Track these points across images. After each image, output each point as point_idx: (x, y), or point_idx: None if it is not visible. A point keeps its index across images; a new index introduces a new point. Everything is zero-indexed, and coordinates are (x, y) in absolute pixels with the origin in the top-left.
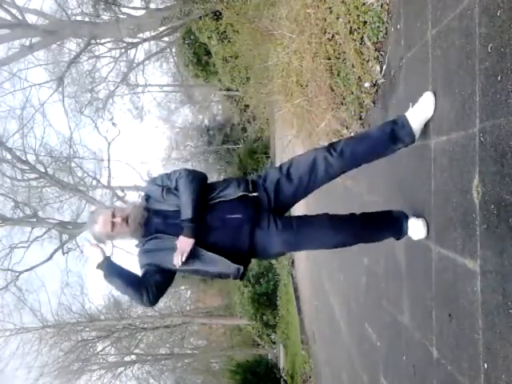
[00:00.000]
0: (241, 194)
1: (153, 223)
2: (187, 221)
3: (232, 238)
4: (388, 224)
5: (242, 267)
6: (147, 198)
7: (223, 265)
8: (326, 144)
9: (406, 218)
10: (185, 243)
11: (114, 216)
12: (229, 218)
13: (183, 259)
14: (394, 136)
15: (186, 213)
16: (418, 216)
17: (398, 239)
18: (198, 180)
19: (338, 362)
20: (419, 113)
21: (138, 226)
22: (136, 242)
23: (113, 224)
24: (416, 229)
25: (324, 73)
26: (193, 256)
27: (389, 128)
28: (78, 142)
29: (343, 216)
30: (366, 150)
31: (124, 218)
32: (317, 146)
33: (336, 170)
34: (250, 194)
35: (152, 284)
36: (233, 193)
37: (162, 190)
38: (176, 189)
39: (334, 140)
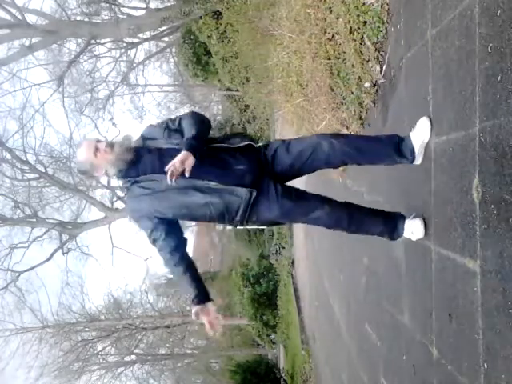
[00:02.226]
0: (247, 143)
1: (146, 161)
2: (190, 138)
3: (234, 184)
4: (383, 219)
5: (254, 190)
6: (144, 139)
7: (230, 193)
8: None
9: (403, 219)
10: (184, 156)
11: (99, 141)
12: (233, 167)
13: (177, 173)
14: (398, 148)
15: (190, 131)
16: (415, 216)
17: (392, 239)
18: (203, 116)
19: (337, 362)
20: (418, 137)
21: (125, 151)
22: (122, 181)
23: (96, 148)
24: (413, 229)
25: (324, 73)
26: (188, 176)
27: (397, 139)
28: (78, 142)
29: (340, 201)
30: (370, 146)
31: (108, 144)
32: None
33: (337, 155)
34: (256, 145)
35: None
36: (238, 142)
37: (164, 129)
38: (179, 127)
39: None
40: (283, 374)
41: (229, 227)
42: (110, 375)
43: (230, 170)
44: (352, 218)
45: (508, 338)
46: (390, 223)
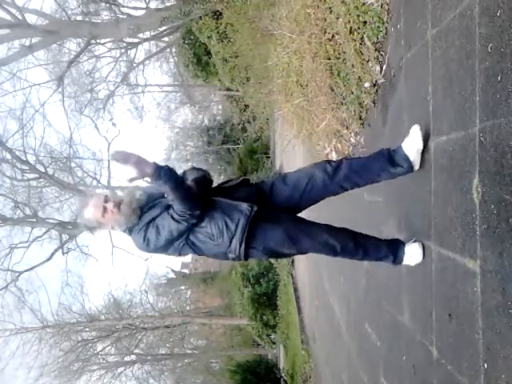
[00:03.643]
0: (242, 178)
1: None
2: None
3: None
4: (385, 242)
5: (255, 205)
6: (147, 194)
7: (232, 207)
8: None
9: (403, 244)
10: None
11: (106, 201)
12: (235, 195)
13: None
14: (390, 159)
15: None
16: (414, 241)
17: (393, 262)
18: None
19: (337, 362)
20: (411, 145)
21: (133, 211)
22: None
23: (104, 209)
24: (412, 253)
25: (324, 73)
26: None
27: (386, 151)
28: (77, 142)
29: (343, 227)
30: (363, 164)
31: (116, 204)
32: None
33: (333, 180)
34: (251, 181)
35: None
36: (236, 180)
37: None
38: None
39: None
40: (283, 374)
41: (231, 259)
42: (110, 375)
43: (232, 198)
44: (357, 241)
45: (508, 338)
46: (392, 246)
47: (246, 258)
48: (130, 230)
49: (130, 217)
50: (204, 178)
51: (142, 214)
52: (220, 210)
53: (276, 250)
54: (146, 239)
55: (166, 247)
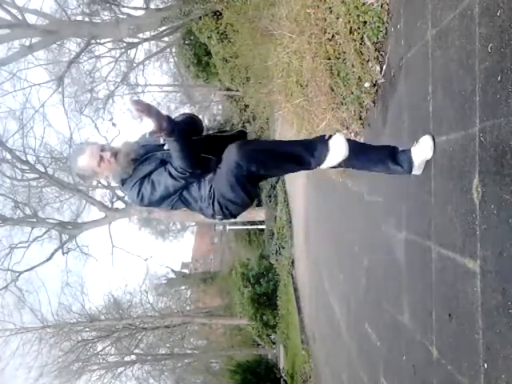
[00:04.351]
0: (238, 131)
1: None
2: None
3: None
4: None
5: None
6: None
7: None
8: None
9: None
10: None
11: (103, 150)
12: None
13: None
14: (394, 156)
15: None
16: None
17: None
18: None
19: (337, 362)
20: (420, 153)
21: (129, 162)
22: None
23: (101, 158)
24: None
25: (324, 73)
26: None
27: (393, 148)
28: (78, 142)
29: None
30: (363, 147)
31: (113, 153)
32: None
33: None
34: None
35: None
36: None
37: None
38: None
39: None
40: (283, 374)
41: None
42: (110, 375)
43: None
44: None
45: (508, 338)
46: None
47: (235, 216)
48: (122, 182)
49: (126, 168)
50: (192, 119)
51: (135, 168)
52: (212, 171)
53: (229, 194)
54: (139, 194)
55: (160, 202)
